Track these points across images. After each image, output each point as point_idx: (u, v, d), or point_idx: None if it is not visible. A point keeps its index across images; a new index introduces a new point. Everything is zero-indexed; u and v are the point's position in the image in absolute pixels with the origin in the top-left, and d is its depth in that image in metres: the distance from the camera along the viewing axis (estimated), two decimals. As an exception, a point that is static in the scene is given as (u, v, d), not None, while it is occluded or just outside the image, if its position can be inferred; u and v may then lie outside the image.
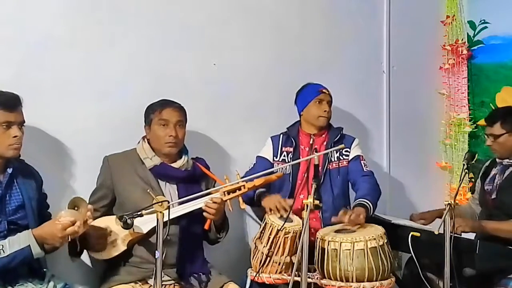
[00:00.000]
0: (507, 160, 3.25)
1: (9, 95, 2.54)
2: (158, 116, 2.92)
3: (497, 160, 3.33)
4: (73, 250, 2.69)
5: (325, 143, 3.34)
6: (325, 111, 3.30)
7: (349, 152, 3.32)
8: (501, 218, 3.14)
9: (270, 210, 3.02)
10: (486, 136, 3.35)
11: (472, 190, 3.67)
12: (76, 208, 2.52)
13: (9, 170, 2.54)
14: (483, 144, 3.70)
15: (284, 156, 3.31)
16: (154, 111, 2.95)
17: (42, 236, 2.42)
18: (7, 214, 2.51)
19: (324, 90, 3.34)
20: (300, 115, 3.40)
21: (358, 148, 3.36)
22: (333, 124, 3.40)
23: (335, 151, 3.29)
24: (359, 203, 3.10)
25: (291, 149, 3.31)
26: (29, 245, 2.40)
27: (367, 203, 3.08)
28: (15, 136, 2.50)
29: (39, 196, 2.67)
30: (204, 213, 2.82)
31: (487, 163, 3.43)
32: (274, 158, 3.32)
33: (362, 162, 3.30)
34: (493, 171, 3.32)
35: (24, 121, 2.56)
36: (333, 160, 3.30)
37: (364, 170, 3.28)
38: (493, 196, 3.25)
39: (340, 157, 3.31)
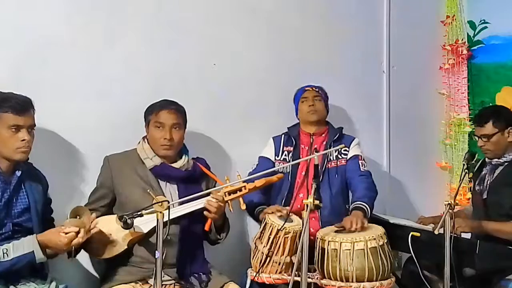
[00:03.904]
0: (496, 159, 3.24)
1: (20, 98, 2.55)
2: (154, 118, 2.93)
3: (486, 160, 3.33)
4: (70, 253, 2.69)
5: (324, 142, 3.35)
6: (310, 105, 3.34)
7: (348, 151, 3.33)
8: (493, 218, 3.14)
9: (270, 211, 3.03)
10: (476, 137, 3.32)
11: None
12: (77, 217, 2.53)
13: (18, 173, 2.56)
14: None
15: (285, 155, 3.33)
16: (151, 112, 2.95)
17: (46, 243, 2.45)
18: (12, 217, 2.53)
19: (307, 88, 3.39)
20: (297, 117, 3.44)
21: (357, 147, 3.37)
22: (333, 124, 3.42)
23: (334, 150, 3.29)
24: (356, 206, 3.11)
25: (291, 149, 3.33)
26: (33, 250, 2.42)
27: (364, 205, 3.09)
28: (23, 140, 2.51)
29: (44, 200, 2.69)
30: (205, 212, 2.82)
31: (478, 164, 3.42)
32: (276, 157, 3.34)
33: (360, 161, 3.31)
34: (483, 171, 3.32)
35: (34, 125, 2.57)
36: (332, 159, 3.32)
37: (361, 170, 3.29)
38: (484, 196, 3.24)
39: (339, 156, 3.33)
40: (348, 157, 3.32)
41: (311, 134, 3.36)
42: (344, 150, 3.32)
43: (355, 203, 3.14)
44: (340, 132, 3.38)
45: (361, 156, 3.35)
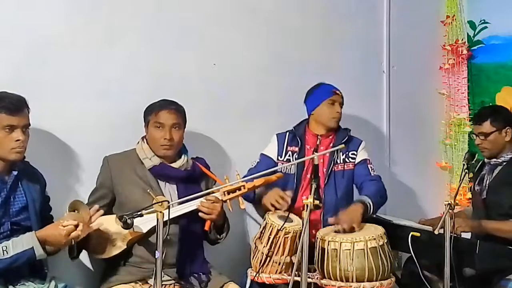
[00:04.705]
0: (495, 159, 3.25)
1: (14, 98, 2.53)
2: (154, 119, 2.92)
3: (485, 160, 3.33)
4: (72, 251, 2.69)
5: (331, 144, 3.30)
6: (337, 112, 3.28)
7: (356, 155, 3.29)
8: (493, 217, 3.15)
9: (272, 206, 3.00)
10: (474, 135, 3.34)
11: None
12: (75, 211, 2.53)
13: (15, 172, 2.55)
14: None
15: (289, 156, 3.28)
16: (151, 113, 2.94)
17: (45, 238, 2.44)
18: (10, 215, 2.53)
19: (337, 92, 3.32)
20: (310, 115, 3.35)
21: (364, 151, 3.33)
22: (332, 124, 3.40)
23: (341, 153, 3.26)
24: (358, 199, 3.09)
25: (297, 149, 3.28)
26: (33, 247, 2.41)
27: (367, 201, 3.06)
28: (17, 140, 2.50)
29: (42, 198, 2.68)
30: (200, 213, 2.82)
31: (479, 165, 3.42)
32: (279, 157, 3.29)
33: (369, 166, 3.27)
34: (483, 171, 3.33)
35: (29, 124, 2.56)
36: (338, 162, 3.27)
37: (372, 174, 3.25)
38: (483, 196, 3.25)
39: (346, 159, 3.28)
40: (356, 161, 3.28)
41: (319, 135, 3.32)
42: (352, 154, 3.29)
43: (359, 197, 3.12)
44: (348, 134, 3.34)
45: (369, 160, 3.31)
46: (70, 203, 2.56)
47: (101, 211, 2.63)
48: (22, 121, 2.52)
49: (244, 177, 3.08)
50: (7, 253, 2.39)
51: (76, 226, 2.43)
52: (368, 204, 3.05)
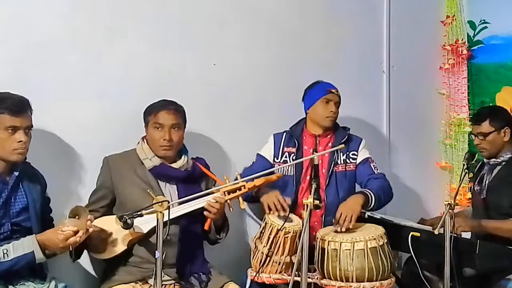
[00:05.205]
0: (494, 159, 3.26)
1: (17, 98, 2.53)
2: (153, 119, 2.91)
3: (484, 160, 3.34)
4: (72, 253, 2.69)
5: (330, 144, 3.25)
6: (331, 111, 3.21)
7: (357, 155, 3.25)
8: (493, 217, 3.15)
9: (269, 209, 2.99)
10: (473, 136, 3.35)
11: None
12: (77, 217, 2.54)
13: (16, 173, 2.55)
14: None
15: (286, 157, 3.25)
16: (150, 113, 2.94)
17: (45, 242, 2.45)
18: (11, 216, 2.53)
19: (332, 90, 3.25)
20: (306, 114, 3.32)
21: (365, 150, 3.28)
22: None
23: (341, 153, 3.23)
24: (359, 191, 3.06)
25: (294, 150, 3.24)
26: (33, 250, 2.42)
27: (368, 192, 3.04)
28: (20, 141, 2.49)
29: (42, 199, 2.68)
30: (205, 212, 2.82)
31: (478, 165, 3.43)
32: (275, 159, 3.27)
33: (371, 164, 3.23)
34: (482, 171, 3.34)
35: (31, 126, 2.56)
36: (339, 162, 3.23)
37: (375, 172, 3.21)
38: (483, 196, 3.26)
39: (347, 159, 3.23)
40: (357, 162, 3.24)
41: (317, 135, 3.27)
42: (353, 154, 3.25)
43: (360, 189, 3.09)
44: (347, 133, 3.28)
45: (371, 158, 3.26)
46: (71, 209, 2.57)
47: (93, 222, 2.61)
48: (24, 122, 2.52)
49: (241, 176, 3.08)
50: (7, 256, 2.39)
51: (76, 232, 2.44)
52: (369, 195, 3.03)
